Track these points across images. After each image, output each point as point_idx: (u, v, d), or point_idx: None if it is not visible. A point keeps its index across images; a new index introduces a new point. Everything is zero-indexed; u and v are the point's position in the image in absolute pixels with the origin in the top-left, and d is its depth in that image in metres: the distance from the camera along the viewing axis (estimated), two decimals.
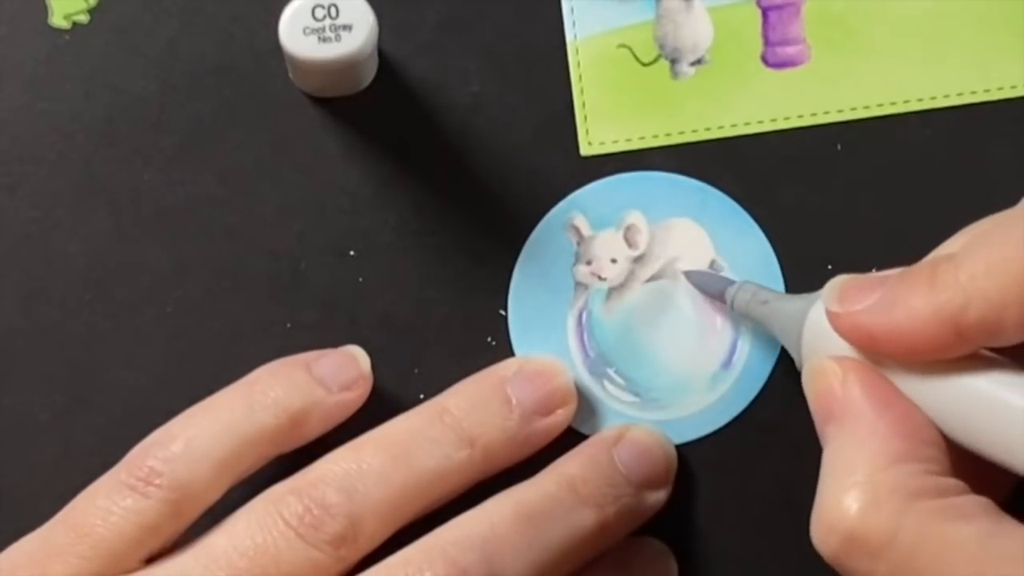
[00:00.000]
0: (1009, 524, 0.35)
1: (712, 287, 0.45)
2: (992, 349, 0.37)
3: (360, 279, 0.45)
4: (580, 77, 0.46)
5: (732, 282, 0.44)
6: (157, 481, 0.40)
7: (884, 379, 0.38)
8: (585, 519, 0.41)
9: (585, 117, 0.46)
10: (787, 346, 0.42)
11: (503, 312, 0.45)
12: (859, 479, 0.36)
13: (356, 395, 0.43)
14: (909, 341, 0.37)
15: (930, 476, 0.36)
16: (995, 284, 0.35)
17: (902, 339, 0.37)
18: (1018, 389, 0.36)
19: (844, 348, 0.39)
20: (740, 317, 0.44)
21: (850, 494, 0.36)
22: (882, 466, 0.36)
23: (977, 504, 0.35)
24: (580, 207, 0.46)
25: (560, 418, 0.43)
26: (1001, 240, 0.36)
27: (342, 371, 0.43)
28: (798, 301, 0.41)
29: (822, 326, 0.39)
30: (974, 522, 0.35)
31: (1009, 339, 0.36)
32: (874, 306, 0.38)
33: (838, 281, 0.39)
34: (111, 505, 0.40)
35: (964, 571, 0.34)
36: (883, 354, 0.38)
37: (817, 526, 0.37)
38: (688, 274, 0.45)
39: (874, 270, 0.42)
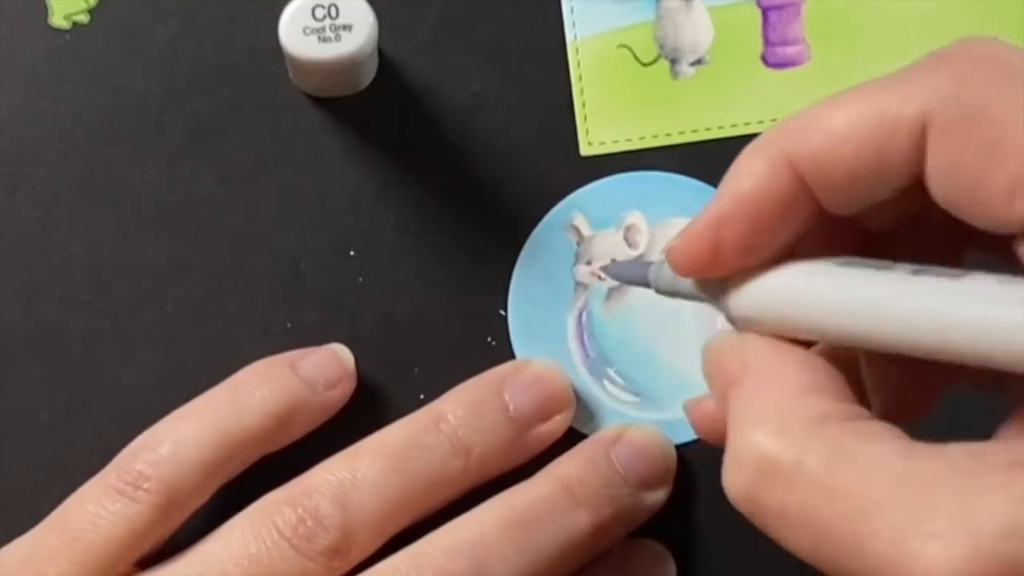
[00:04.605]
0: (922, 443, 0.31)
1: (633, 275, 0.42)
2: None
3: (360, 279, 0.44)
4: (580, 77, 0.45)
5: (650, 264, 0.41)
6: (146, 485, 0.39)
7: (780, 339, 0.35)
8: (580, 522, 0.40)
9: (585, 117, 0.45)
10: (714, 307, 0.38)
11: (503, 312, 0.44)
12: (764, 415, 0.32)
13: (341, 393, 0.42)
14: (747, 200, 0.33)
15: (836, 402, 0.32)
16: (843, 115, 0.32)
17: (740, 202, 0.33)
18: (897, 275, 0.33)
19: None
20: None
21: (757, 430, 0.32)
22: (788, 397, 0.33)
23: (888, 428, 0.32)
24: (580, 207, 0.45)
25: (558, 424, 0.43)
26: (857, 88, 0.33)
27: (327, 369, 0.42)
28: None
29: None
30: (886, 442, 0.31)
31: (840, 188, 0.33)
32: (696, 217, 0.34)
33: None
34: (100, 510, 0.39)
35: (881, 486, 0.30)
36: (729, 250, 0.34)
37: (727, 473, 0.33)
38: (607, 269, 0.43)
39: None
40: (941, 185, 0.32)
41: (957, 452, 0.30)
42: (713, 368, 0.35)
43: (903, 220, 0.34)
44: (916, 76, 0.32)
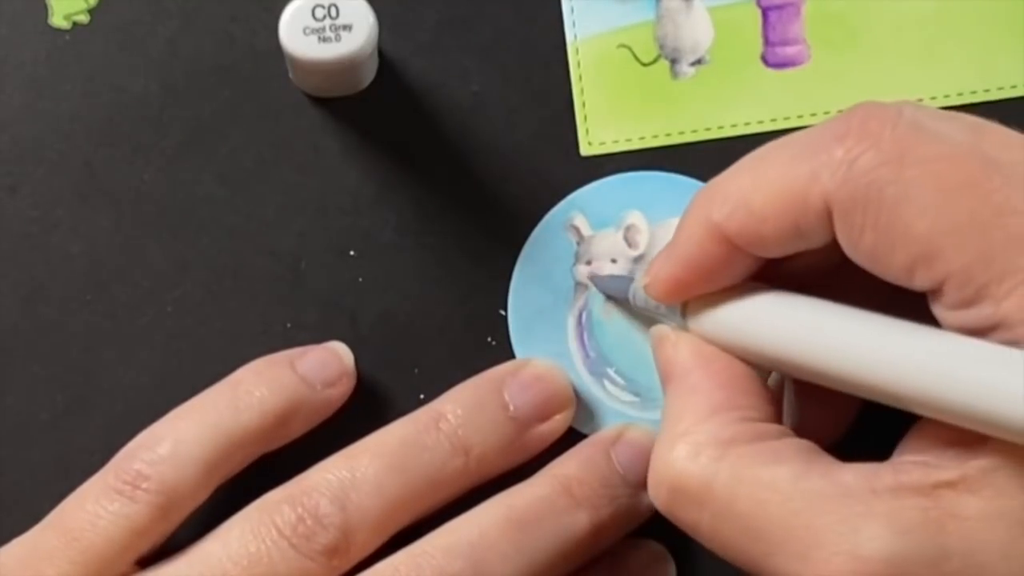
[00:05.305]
0: (822, 463, 0.34)
1: (617, 288, 0.43)
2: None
3: (360, 279, 0.44)
4: (580, 77, 0.45)
5: (632, 280, 0.42)
6: (144, 485, 0.39)
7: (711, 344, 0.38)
8: (579, 522, 0.40)
9: (585, 117, 0.45)
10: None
11: (503, 312, 0.44)
12: (680, 431, 0.36)
13: (340, 391, 0.42)
14: (696, 263, 0.37)
15: (746, 423, 0.36)
16: (760, 196, 0.36)
17: (690, 265, 0.38)
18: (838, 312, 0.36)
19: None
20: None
21: (674, 447, 0.36)
22: (702, 418, 0.36)
23: (793, 446, 0.35)
24: (580, 207, 0.44)
25: (558, 424, 0.42)
26: (770, 160, 0.36)
27: (326, 368, 0.42)
28: None
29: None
30: (787, 463, 0.34)
31: (770, 250, 0.36)
32: (662, 254, 0.39)
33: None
34: (99, 510, 0.39)
35: (777, 511, 0.34)
36: (693, 291, 0.38)
37: (650, 486, 0.37)
38: (594, 280, 0.44)
39: None
40: (851, 254, 0.35)
41: (849, 475, 0.34)
42: (654, 351, 0.39)
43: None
44: (821, 150, 0.35)
